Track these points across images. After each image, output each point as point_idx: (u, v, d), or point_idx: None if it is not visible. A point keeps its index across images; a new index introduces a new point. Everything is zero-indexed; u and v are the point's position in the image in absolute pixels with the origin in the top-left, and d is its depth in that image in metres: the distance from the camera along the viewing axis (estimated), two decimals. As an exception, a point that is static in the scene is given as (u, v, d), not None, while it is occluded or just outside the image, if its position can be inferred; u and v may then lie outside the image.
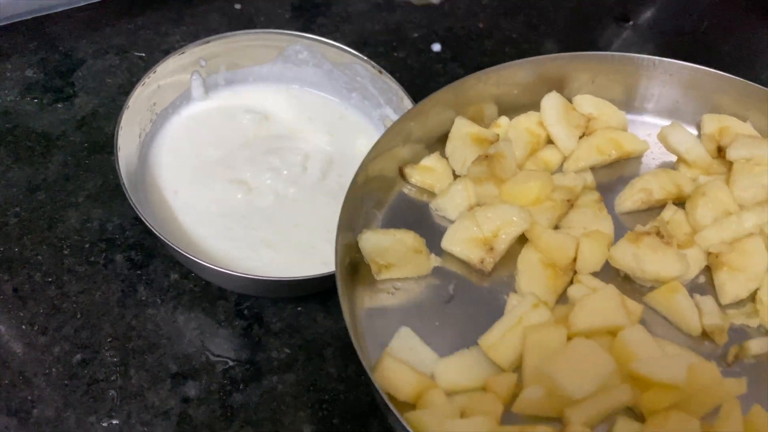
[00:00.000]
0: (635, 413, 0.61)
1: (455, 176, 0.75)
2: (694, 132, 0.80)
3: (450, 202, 0.72)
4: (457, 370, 0.62)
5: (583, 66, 0.79)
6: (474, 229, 0.68)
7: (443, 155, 0.76)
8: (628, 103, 0.81)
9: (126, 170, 0.74)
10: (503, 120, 0.79)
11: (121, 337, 0.73)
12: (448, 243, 0.69)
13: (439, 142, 0.77)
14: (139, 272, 0.77)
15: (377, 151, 0.70)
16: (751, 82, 0.77)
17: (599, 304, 0.63)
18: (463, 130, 0.75)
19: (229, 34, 0.83)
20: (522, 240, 0.69)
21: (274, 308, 0.76)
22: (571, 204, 0.72)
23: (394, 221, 0.72)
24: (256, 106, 0.86)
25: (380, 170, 0.73)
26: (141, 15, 1.01)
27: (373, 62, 0.83)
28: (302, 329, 0.75)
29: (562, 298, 0.68)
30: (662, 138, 0.77)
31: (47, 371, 0.70)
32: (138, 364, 0.71)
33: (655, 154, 0.79)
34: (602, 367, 0.58)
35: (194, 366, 0.72)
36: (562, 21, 1.09)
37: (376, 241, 0.67)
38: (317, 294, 0.76)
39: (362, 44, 1.01)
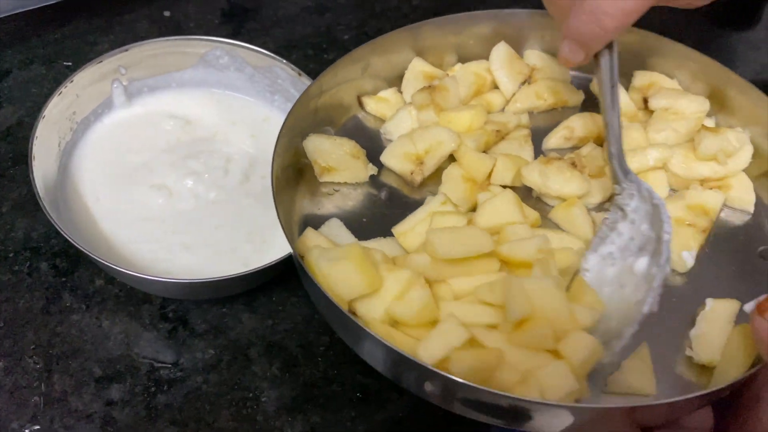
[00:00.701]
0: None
1: None
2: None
3: (395, 126, 0.79)
4: (368, 247, 0.68)
5: (536, 22, 0.84)
6: (409, 146, 0.75)
7: (400, 90, 0.83)
8: None
9: (44, 180, 0.75)
10: (458, 66, 0.85)
11: (44, 344, 0.74)
12: (385, 157, 0.76)
13: (399, 80, 0.84)
14: (63, 279, 0.78)
15: (333, 74, 0.77)
16: (680, 43, 0.81)
17: (499, 205, 0.70)
18: (418, 68, 0.83)
19: (147, 41, 0.84)
20: (451, 160, 0.76)
21: (198, 310, 0.77)
22: (501, 136, 0.78)
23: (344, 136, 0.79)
24: (179, 112, 0.87)
25: (340, 97, 0.80)
26: (68, 24, 1.01)
27: (292, 65, 0.84)
28: (227, 330, 0.76)
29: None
30: (593, 87, 0.82)
31: (-30, 380, 0.71)
32: (62, 370, 0.72)
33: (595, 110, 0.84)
34: (477, 244, 0.64)
35: (119, 369, 0.73)
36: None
37: (318, 143, 0.75)
38: (242, 294, 0.77)
39: (292, 47, 1.03)
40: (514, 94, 0.83)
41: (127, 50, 0.82)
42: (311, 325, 0.77)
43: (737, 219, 0.75)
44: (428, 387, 0.58)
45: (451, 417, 0.61)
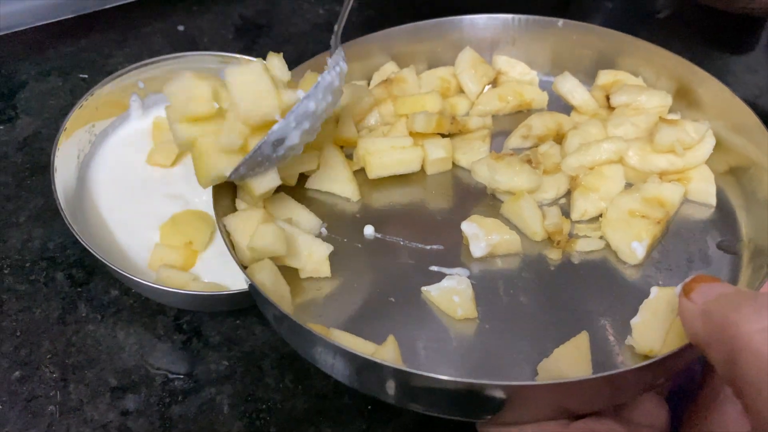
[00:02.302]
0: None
1: None
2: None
3: None
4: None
5: (504, 29, 0.85)
6: None
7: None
8: (543, 65, 0.87)
9: (65, 191, 0.76)
10: (426, 73, 0.86)
11: (60, 354, 0.74)
12: None
13: None
14: (79, 289, 0.79)
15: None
16: (644, 41, 0.81)
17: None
18: (388, 70, 0.84)
19: (167, 56, 0.86)
20: None
21: (212, 322, 0.78)
22: (457, 127, 0.78)
23: None
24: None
25: None
26: (84, 37, 1.03)
27: (307, 82, 0.86)
28: (240, 342, 0.77)
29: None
30: (555, 87, 0.83)
31: (-14, 389, 0.72)
32: (77, 380, 0.73)
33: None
34: None
35: (133, 380, 0.74)
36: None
37: None
38: (255, 307, 0.78)
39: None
40: (478, 97, 0.83)
41: (146, 64, 0.84)
42: (323, 338, 0.78)
43: (699, 213, 0.73)
44: (367, 378, 0.59)
45: (461, 429, 0.62)
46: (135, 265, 0.76)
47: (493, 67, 0.85)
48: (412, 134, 0.77)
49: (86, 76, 0.98)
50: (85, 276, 0.80)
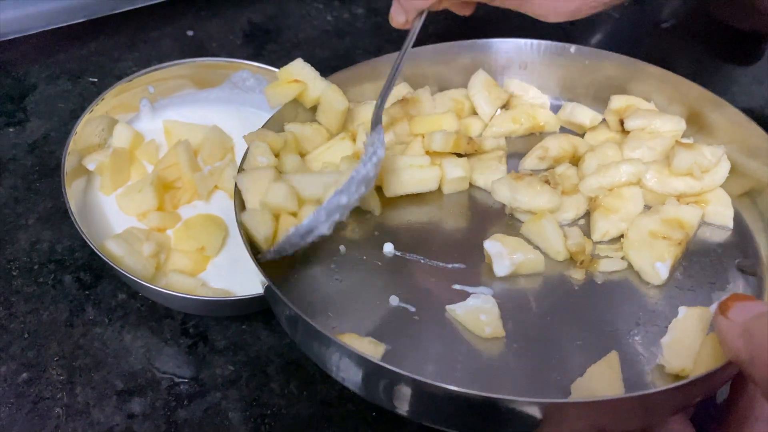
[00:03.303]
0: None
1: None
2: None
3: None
4: None
5: (515, 53, 0.85)
6: None
7: None
8: (554, 89, 0.87)
9: (74, 195, 0.76)
10: (438, 94, 0.86)
11: (68, 356, 0.75)
12: None
13: None
14: (87, 292, 0.80)
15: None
16: (655, 66, 0.81)
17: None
18: (401, 91, 0.84)
19: (177, 62, 0.86)
20: None
21: (218, 326, 0.78)
22: (474, 147, 0.78)
23: None
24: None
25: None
26: (94, 41, 1.03)
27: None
28: (246, 347, 0.77)
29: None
30: (568, 114, 0.83)
31: (-7, 390, 0.72)
32: (84, 382, 0.73)
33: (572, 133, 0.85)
34: None
35: (140, 383, 0.74)
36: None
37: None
38: (261, 312, 0.79)
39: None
40: (491, 118, 0.84)
41: (157, 69, 0.85)
42: (329, 344, 0.78)
43: (716, 235, 0.74)
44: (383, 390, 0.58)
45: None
46: (142, 269, 0.76)
47: (506, 90, 0.86)
48: (429, 153, 0.77)
49: (96, 79, 0.99)
50: (92, 279, 0.80)
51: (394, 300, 0.68)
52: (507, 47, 0.85)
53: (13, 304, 0.78)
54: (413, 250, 0.72)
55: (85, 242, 0.72)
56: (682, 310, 0.64)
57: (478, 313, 0.65)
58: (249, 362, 0.76)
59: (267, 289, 0.64)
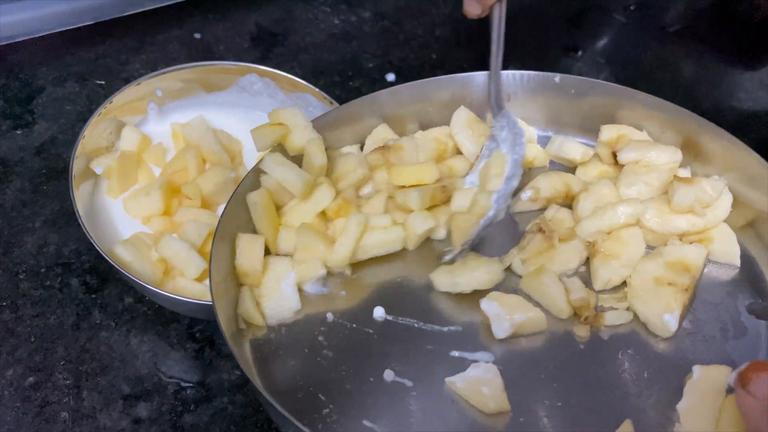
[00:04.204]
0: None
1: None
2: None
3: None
4: None
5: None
6: None
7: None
8: (541, 121, 0.83)
9: (82, 197, 0.76)
10: (419, 133, 0.82)
11: (74, 360, 0.75)
12: None
13: None
14: (94, 296, 0.79)
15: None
16: (645, 93, 0.77)
17: None
18: (380, 134, 0.80)
19: (184, 65, 0.86)
20: None
21: (225, 331, 0.78)
22: (447, 194, 0.75)
23: None
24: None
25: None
26: (101, 43, 1.03)
27: (324, 93, 0.86)
28: (253, 351, 0.77)
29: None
30: (557, 148, 0.79)
31: None
32: (91, 386, 0.73)
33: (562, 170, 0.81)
34: None
35: (146, 387, 0.74)
36: (514, 52, 1.14)
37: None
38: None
39: (318, 73, 1.05)
40: (477, 157, 0.79)
41: (165, 72, 0.84)
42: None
43: (723, 274, 0.71)
44: None
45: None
46: (150, 274, 0.76)
47: (489, 125, 0.80)
48: (400, 208, 0.74)
49: (103, 82, 0.99)
50: (99, 283, 0.80)
51: (389, 375, 0.64)
52: (486, 81, 0.80)
53: (20, 308, 0.78)
54: (405, 313, 0.68)
55: (92, 245, 0.72)
56: (697, 371, 0.61)
57: (479, 386, 0.62)
58: (256, 367, 0.76)
59: (251, 386, 0.61)
